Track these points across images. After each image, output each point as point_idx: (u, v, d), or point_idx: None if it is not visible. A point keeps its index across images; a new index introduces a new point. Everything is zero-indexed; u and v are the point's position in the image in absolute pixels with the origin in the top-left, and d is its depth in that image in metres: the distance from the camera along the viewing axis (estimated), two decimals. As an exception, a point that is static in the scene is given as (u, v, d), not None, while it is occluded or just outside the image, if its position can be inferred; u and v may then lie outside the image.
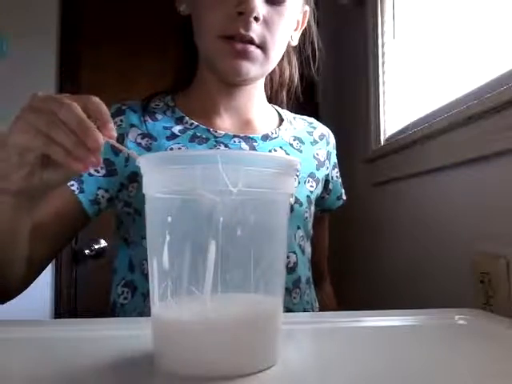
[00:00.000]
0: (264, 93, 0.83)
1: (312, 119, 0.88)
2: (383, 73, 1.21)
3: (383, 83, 1.21)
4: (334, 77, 1.55)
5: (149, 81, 1.87)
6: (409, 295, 1.00)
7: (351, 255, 1.38)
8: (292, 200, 0.73)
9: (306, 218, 0.76)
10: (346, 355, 0.44)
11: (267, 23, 0.68)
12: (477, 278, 0.73)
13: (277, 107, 0.86)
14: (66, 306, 1.70)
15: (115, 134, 0.46)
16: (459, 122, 0.79)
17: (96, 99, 0.47)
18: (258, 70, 0.71)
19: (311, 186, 0.78)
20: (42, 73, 1.75)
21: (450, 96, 0.89)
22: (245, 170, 0.35)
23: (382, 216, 1.16)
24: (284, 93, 0.85)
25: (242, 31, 0.66)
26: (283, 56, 0.80)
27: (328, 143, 0.85)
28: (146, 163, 0.39)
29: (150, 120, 0.75)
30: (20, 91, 1.71)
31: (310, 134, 0.84)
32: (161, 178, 0.38)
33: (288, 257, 0.72)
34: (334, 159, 0.86)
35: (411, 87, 1.14)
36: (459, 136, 0.80)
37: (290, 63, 0.84)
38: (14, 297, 0.63)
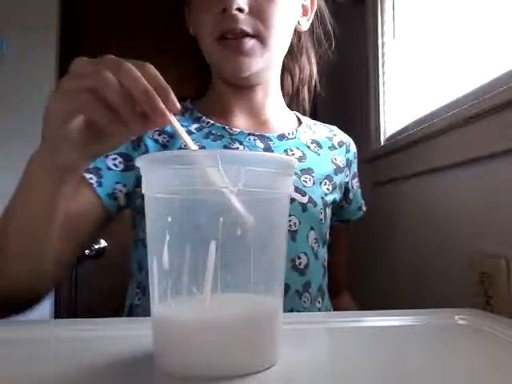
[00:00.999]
0: (280, 94, 0.83)
1: (333, 127, 0.88)
2: (383, 73, 1.21)
3: (383, 83, 1.21)
4: (334, 77, 1.55)
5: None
6: (409, 295, 1.00)
7: (350, 255, 1.38)
8: (305, 199, 0.72)
9: (321, 220, 0.74)
10: (346, 355, 0.44)
11: (257, 12, 0.68)
12: (477, 278, 0.73)
13: (297, 113, 0.87)
14: (66, 306, 1.70)
15: (179, 107, 0.42)
16: (459, 122, 0.79)
17: (153, 69, 0.42)
18: (258, 62, 0.70)
19: (327, 189, 0.77)
20: (41, 73, 1.75)
21: (450, 96, 0.89)
22: (245, 169, 0.35)
23: (381, 216, 1.16)
24: (305, 90, 0.86)
25: (231, 26, 0.67)
26: (302, 52, 0.81)
27: (348, 151, 0.84)
28: (145, 163, 0.39)
29: None
30: (20, 91, 1.72)
31: (330, 139, 0.83)
32: (161, 178, 0.38)
33: (299, 257, 0.71)
34: (354, 168, 0.85)
35: (411, 87, 1.14)
36: (459, 136, 0.80)
37: (308, 59, 0.84)
38: (42, 298, 0.59)
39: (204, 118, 0.77)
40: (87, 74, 0.40)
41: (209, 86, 0.82)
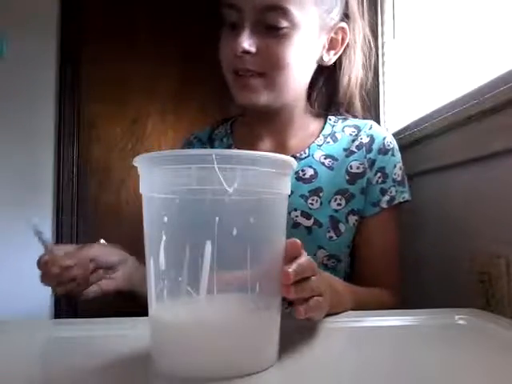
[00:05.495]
0: (308, 111, 0.85)
1: (365, 124, 0.83)
2: (383, 73, 1.21)
3: (383, 83, 1.21)
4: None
5: (147, 80, 1.87)
6: (409, 295, 0.99)
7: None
8: (310, 222, 0.75)
9: (331, 237, 0.76)
10: (346, 355, 0.44)
11: (265, 53, 0.72)
12: (477, 278, 0.73)
13: (332, 117, 0.85)
14: (66, 306, 1.70)
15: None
16: (459, 122, 0.79)
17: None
18: (264, 97, 0.75)
19: (338, 205, 0.77)
20: (42, 73, 1.75)
21: (450, 96, 0.89)
22: (240, 169, 0.35)
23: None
24: (357, 98, 0.86)
25: (240, 66, 0.73)
26: (320, 74, 0.83)
27: (370, 151, 0.80)
28: (142, 163, 0.39)
29: (209, 148, 0.87)
30: (20, 91, 1.72)
31: (351, 143, 0.81)
32: (157, 177, 0.38)
33: None
34: (382, 163, 0.80)
35: (411, 87, 1.14)
36: (459, 136, 0.80)
37: (333, 81, 0.85)
38: None
39: (233, 146, 0.86)
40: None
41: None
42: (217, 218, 0.35)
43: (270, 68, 0.73)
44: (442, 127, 0.84)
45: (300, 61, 0.76)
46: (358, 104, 0.86)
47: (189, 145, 0.91)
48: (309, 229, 0.75)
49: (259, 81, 0.74)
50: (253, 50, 0.72)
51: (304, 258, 0.45)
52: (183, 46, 1.88)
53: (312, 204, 0.77)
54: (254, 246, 0.37)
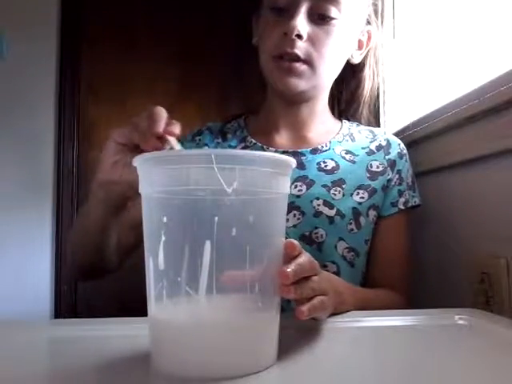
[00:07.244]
0: (327, 109, 0.88)
1: (379, 130, 0.89)
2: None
3: (383, 83, 1.21)
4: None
5: (147, 80, 1.87)
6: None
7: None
8: (333, 212, 0.75)
9: (351, 230, 0.76)
10: (346, 355, 0.44)
11: (313, 41, 0.75)
12: (477, 278, 0.73)
13: (346, 121, 0.90)
14: (66, 305, 1.70)
15: (176, 131, 0.54)
16: (459, 122, 0.79)
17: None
18: (306, 83, 0.77)
19: (361, 198, 0.78)
20: (41, 73, 1.75)
21: (450, 96, 0.89)
22: (240, 169, 0.35)
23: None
24: (366, 106, 0.91)
25: (288, 49, 0.74)
26: (347, 73, 0.87)
27: (388, 153, 0.84)
28: (141, 163, 0.39)
29: (220, 140, 0.87)
30: (20, 91, 1.72)
31: (369, 144, 0.85)
32: (156, 177, 0.38)
33: (326, 265, 0.74)
34: (399, 166, 0.83)
35: (411, 87, 1.14)
36: (459, 136, 0.80)
37: (357, 80, 0.89)
38: (105, 275, 0.77)
39: (249, 137, 0.86)
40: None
41: (265, 101, 0.89)
42: (216, 218, 0.35)
43: (315, 56, 0.75)
44: (442, 127, 0.84)
45: (339, 53, 0.80)
46: (366, 111, 0.92)
47: (198, 134, 0.90)
48: (331, 218, 0.75)
49: (305, 67, 0.76)
50: (305, 35, 0.74)
51: (304, 258, 0.45)
52: (183, 47, 1.88)
53: (335, 194, 0.77)
54: (253, 246, 0.37)
